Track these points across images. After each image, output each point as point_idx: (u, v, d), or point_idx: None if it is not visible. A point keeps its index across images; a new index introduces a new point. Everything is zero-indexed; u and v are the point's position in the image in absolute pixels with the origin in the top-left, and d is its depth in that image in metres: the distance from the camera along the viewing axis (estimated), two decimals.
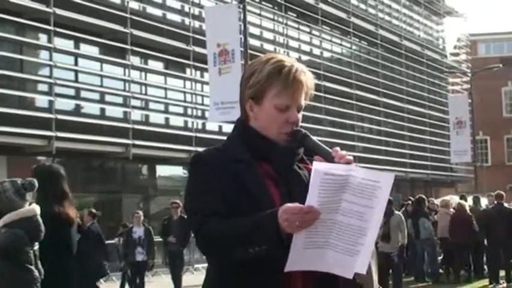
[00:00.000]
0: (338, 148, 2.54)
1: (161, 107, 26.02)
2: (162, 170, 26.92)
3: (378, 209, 2.40)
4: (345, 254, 2.41)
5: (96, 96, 23.54)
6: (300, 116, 2.64)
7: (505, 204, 17.26)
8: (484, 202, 21.40)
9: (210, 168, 2.57)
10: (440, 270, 18.64)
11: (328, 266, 2.43)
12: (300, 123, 2.66)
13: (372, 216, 2.39)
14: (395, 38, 40.05)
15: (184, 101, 26.36)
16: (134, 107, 23.84)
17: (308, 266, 2.41)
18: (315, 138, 2.60)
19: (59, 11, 20.74)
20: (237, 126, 2.72)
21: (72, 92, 22.74)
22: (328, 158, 2.51)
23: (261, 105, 2.61)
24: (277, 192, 2.53)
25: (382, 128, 37.36)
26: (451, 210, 18.19)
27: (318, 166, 2.35)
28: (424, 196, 19.57)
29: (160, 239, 16.72)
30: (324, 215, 2.35)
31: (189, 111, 26.32)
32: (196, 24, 26.11)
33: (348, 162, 2.46)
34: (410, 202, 19.52)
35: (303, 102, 2.64)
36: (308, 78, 2.63)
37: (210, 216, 2.48)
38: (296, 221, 2.31)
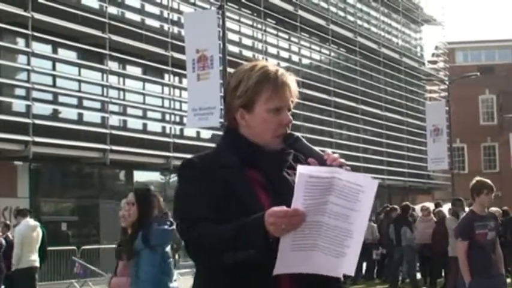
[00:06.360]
0: (330, 151, 2.58)
1: (139, 113, 25.91)
2: (139, 176, 26.77)
3: (363, 212, 2.40)
4: (332, 255, 2.40)
5: (74, 101, 23.42)
6: (290, 116, 2.67)
7: None
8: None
9: (199, 174, 2.56)
10: (419, 276, 18.70)
11: (316, 268, 2.41)
12: None
13: (356, 219, 2.39)
14: (374, 46, 40.24)
15: (162, 106, 26.28)
16: (112, 112, 23.74)
17: (296, 269, 2.39)
18: (306, 142, 2.63)
19: (37, 16, 20.63)
20: (226, 134, 2.71)
21: (49, 96, 22.61)
22: (321, 161, 2.54)
23: (253, 112, 2.62)
24: (266, 198, 2.52)
25: (360, 135, 37.50)
26: (432, 217, 18.22)
27: (302, 169, 2.35)
28: (409, 204, 19.66)
29: None
30: (311, 217, 2.34)
31: (167, 117, 26.24)
32: (175, 30, 26.08)
33: (341, 165, 2.49)
34: (390, 208, 19.59)
35: (291, 104, 2.69)
36: (292, 81, 2.70)
37: (198, 222, 2.46)
38: (282, 224, 2.30)
